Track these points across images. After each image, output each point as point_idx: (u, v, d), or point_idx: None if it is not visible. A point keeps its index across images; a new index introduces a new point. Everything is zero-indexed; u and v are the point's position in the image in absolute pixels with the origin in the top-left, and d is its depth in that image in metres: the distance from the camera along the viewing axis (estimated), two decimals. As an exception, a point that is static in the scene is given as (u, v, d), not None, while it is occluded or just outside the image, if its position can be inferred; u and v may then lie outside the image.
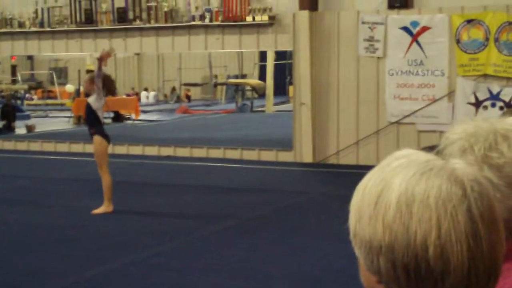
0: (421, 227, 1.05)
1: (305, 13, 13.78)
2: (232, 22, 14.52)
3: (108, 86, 9.10)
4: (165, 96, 38.21)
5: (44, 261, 7.10)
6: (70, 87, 34.78)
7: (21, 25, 16.60)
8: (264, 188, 11.48)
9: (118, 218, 9.02)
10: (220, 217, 9.13)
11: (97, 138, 9.06)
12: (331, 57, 13.78)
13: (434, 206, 1.05)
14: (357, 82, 13.61)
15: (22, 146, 17.09)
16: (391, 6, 13.37)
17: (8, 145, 17.29)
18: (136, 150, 15.74)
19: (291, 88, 27.03)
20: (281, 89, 33.14)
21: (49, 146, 16.75)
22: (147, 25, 15.33)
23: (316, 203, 10.34)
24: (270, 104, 28.89)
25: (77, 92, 30.15)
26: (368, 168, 1.14)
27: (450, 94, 12.95)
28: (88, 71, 29.03)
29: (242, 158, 14.65)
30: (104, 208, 9.15)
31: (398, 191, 1.07)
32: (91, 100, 9.00)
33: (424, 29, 13.03)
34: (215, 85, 35.54)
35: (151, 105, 34.43)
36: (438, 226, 1.05)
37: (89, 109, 9.05)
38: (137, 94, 35.04)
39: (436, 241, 1.04)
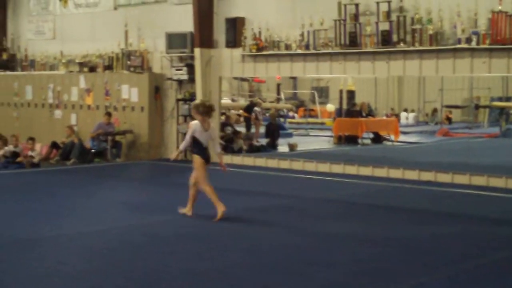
0: None
1: None
2: (500, 45, 13.96)
3: (202, 111, 10.33)
4: (426, 116, 37.64)
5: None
6: (330, 107, 35.53)
7: (287, 47, 17.20)
8: (530, 221, 10.88)
9: (374, 244, 8.97)
10: (479, 251, 8.74)
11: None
12: None
13: None
14: None
15: (284, 164, 17.63)
16: None
17: (272, 163, 17.93)
18: (396, 173, 15.61)
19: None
20: (551, 114, 31.26)
21: (310, 166, 17.13)
22: (411, 48, 15.18)
23: None
24: (537, 130, 27.41)
25: (338, 111, 30.65)
26: None
27: None
28: (349, 92, 29.59)
29: (506, 187, 13.98)
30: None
31: None
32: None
33: None
34: (477, 107, 34.43)
35: (411, 126, 34.08)
36: None
37: None
38: (397, 115, 34.90)
39: None
